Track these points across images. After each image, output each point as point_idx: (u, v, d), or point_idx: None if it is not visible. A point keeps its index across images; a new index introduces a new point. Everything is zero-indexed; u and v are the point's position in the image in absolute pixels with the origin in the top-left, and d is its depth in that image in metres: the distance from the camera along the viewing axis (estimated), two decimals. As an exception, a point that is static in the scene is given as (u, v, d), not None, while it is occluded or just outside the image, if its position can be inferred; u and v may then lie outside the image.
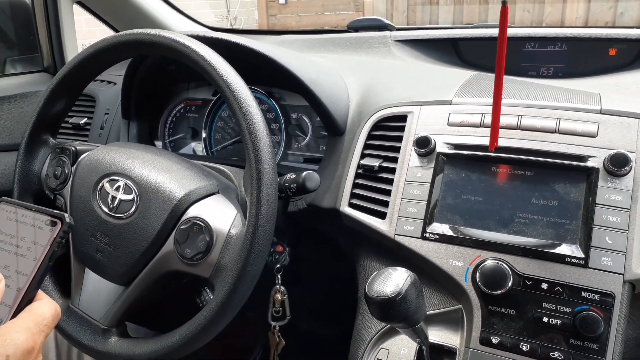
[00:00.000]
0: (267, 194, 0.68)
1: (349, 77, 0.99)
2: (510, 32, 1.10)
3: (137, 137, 1.12)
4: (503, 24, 0.61)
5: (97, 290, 0.80)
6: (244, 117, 0.69)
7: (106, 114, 1.17)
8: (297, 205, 0.91)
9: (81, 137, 1.18)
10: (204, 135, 1.12)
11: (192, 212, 0.73)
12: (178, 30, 1.43)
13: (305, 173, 0.77)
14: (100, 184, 0.78)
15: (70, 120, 1.20)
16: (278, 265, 0.91)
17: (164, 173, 0.77)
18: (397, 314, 0.58)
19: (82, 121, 1.18)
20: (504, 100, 0.78)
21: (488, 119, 0.76)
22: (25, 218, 0.50)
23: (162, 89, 1.11)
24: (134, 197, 0.75)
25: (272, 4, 7.07)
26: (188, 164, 0.82)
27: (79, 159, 0.83)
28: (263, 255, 0.68)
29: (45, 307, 0.46)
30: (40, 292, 0.49)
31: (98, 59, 0.81)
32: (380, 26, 1.28)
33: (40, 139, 0.87)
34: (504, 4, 0.60)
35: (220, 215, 0.73)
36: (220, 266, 0.70)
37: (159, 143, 1.16)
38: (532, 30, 1.09)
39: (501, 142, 0.73)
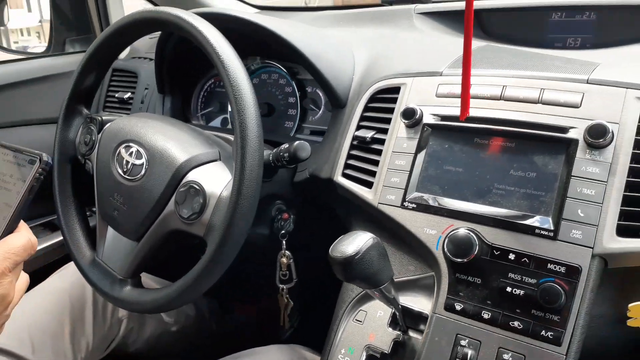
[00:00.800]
0: (250, 160, 0.73)
1: (361, 50, 1.01)
2: (535, 1, 1.06)
3: (171, 110, 1.21)
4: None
5: (116, 245, 0.90)
6: (231, 86, 0.74)
7: (146, 89, 1.28)
8: (301, 176, 0.95)
9: (125, 110, 1.30)
10: (229, 108, 1.19)
11: (191, 176, 0.80)
12: (217, 7, 1.51)
13: (296, 143, 0.81)
14: (118, 150, 0.87)
15: (116, 95, 1.32)
16: (283, 231, 0.96)
17: (171, 140, 0.84)
18: (357, 273, 0.62)
19: (126, 96, 1.30)
20: (489, 71, 0.78)
21: (474, 90, 0.75)
22: (11, 157, 0.59)
23: (193, 65, 1.19)
24: (143, 162, 0.84)
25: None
26: (196, 133, 0.89)
27: (104, 128, 0.93)
28: (246, 217, 0.74)
29: (17, 238, 0.55)
30: (21, 224, 0.58)
31: (117, 38, 0.90)
32: (412, -1, 1.28)
33: (75, 110, 0.97)
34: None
35: (215, 180, 0.80)
36: (211, 225, 0.76)
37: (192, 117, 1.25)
38: (558, -1, 1.04)
39: (484, 113, 0.73)
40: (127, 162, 0.85)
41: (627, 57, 0.85)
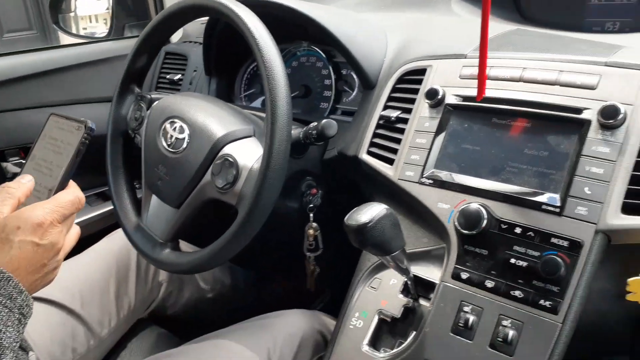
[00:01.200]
0: (279, 136, 0.79)
1: (395, 33, 1.04)
2: (575, -16, 1.05)
3: (216, 91, 1.30)
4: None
5: (158, 212, 0.99)
6: (265, 67, 0.80)
7: (195, 71, 1.36)
8: (330, 154, 1.01)
9: (175, 90, 1.40)
10: (269, 90, 1.26)
11: (227, 150, 0.88)
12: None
13: (324, 121, 0.87)
14: (164, 125, 0.96)
15: (167, 76, 1.42)
16: (311, 205, 1.02)
17: (210, 117, 0.92)
18: (370, 239, 0.67)
19: (177, 77, 1.40)
20: (511, 54, 0.80)
21: (495, 72, 0.78)
22: (63, 125, 0.68)
23: (237, 49, 1.26)
24: (185, 136, 0.92)
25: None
26: (234, 111, 0.96)
27: (152, 105, 1.02)
28: (274, 188, 0.80)
29: (66, 194, 0.64)
30: (70, 183, 0.67)
31: (167, 23, 0.98)
32: (454, -16, 1.29)
33: (128, 89, 1.07)
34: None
35: (248, 153, 0.86)
36: (242, 195, 0.84)
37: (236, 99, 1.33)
38: (597, -18, 1.03)
39: (502, 94, 0.76)
40: (172, 136, 0.94)
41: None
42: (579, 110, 0.69)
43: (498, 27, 1.02)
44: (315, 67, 1.19)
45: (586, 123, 0.68)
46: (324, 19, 0.96)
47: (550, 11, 1.08)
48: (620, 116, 0.65)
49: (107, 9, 1.81)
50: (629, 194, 0.64)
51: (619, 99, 0.67)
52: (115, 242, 1.12)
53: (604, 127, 0.67)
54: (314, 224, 1.03)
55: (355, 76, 1.11)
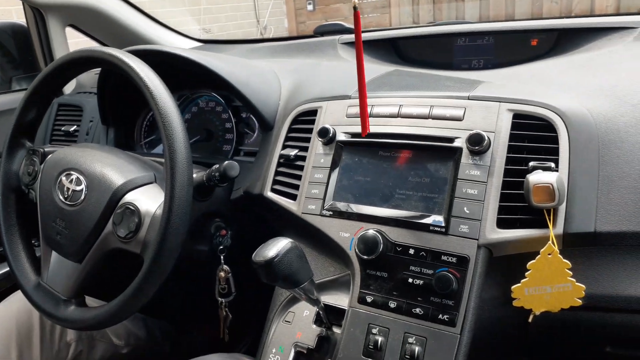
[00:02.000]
0: (180, 180, 0.80)
1: (287, 77, 1.11)
2: (443, 29, 1.20)
3: (115, 140, 1.28)
4: (357, 27, 0.71)
5: (59, 268, 0.95)
6: (160, 114, 0.81)
7: (91, 121, 1.34)
8: (237, 194, 1.03)
9: (72, 142, 1.36)
10: (171, 136, 1.26)
11: (128, 198, 0.87)
12: (164, 43, 1.60)
13: (226, 162, 0.90)
14: (59, 178, 0.93)
15: (62, 128, 1.38)
16: (221, 247, 1.03)
17: (108, 166, 0.91)
18: (278, 273, 0.70)
19: (72, 128, 1.36)
20: (389, 93, 0.89)
21: (376, 110, 0.86)
22: None
23: (134, 97, 1.26)
24: (83, 188, 0.90)
25: (301, 11, 7.26)
26: (133, 159, 0.96)
27: (46, 159, 0.99)
28: (178, 232, 0.80)
29: None
30: None
31: (57, 74, 0.97)
32: (342, 30, 1.39)
33: (19, 143, 1.03)
34: (355, 9, 0.70)
35: (150, 200, 0.86)
36: (146, 242, 0.83)
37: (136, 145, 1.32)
38: (462, 26, 1.18)
39: (384, 129, 0.84)
40: (68, 188, 0.91)
41: (512, 75, 0.97)
42: (450, 140, 0.78)
43: (379, 68, 1.12)
44: (216, 111, 1.22)
45: (458, 150, 0.77)
46: (217, 67, 1.00)
47: (423, 53, 1.21)
48: (485, 142, 0.74)
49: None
50: (501, 209, 0.73)
51: (482, 127, 0.77)
52: (13, 304, 1.06)
53: (473, 152, 0.76)
54: (225, 267, 1.04)
55: (254, 119, 1.16)
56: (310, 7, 7.18)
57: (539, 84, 0.88)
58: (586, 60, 0.95)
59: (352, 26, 1.39)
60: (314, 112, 0.94)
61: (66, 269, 0.94)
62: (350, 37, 1.28)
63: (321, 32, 1.45)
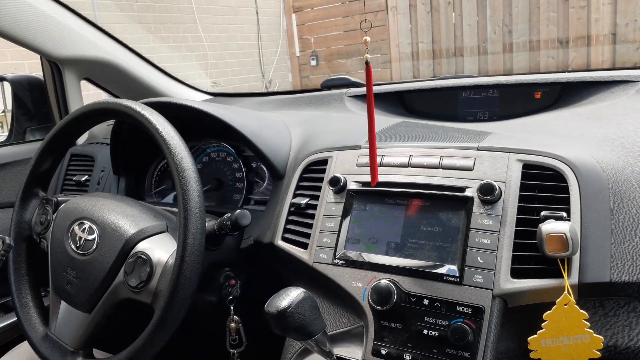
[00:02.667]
0: (193, 229, 0.81)
1: (297, 128, 1.13)
2: (448, 82, 1.23)
3: (126, 189, 1.29)
4: (369, 80, 0.74)
5: (68, 318, 0.94)
6: (174, 164, 0.83)
7: (102, 171, 1.36)
8: (247, 243, 1.03)
9: (82, 192, 1.37)
10: (181, 185, 1.28)
11: (140, 247, 0.87)
12: (176, 95, 1.64)
13: (237, 211, 0.90)
14: (72, 227, 0.94)
15: (74, 178, 1.39)
16: (230, 297, 1.02)
17: (121, 215, 0.92)
18: (291, 324, 0.69)
19: (83, 178, 1.38)
20: (399, 143, 0.90)
21: (386, 160, 0.87)
22: None
23: (146, 147, 1.29)
24: (95, 237, 0.90)
25: (305, 66, 7.47)
26: (145, 208, 0.96)
27: (59, 208, 1.00)
28: (190, 281, 0.80)
29: None
30: None
31: (73, 126, 0.99)
32: (348, 84, 1.43)
33: (32, 193, 1.04)
34: (367, 64, 0.73)
35: (162, 249, 0.87)
36: (157, 292, 0.83)
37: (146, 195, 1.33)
38: (467, 80, 1.21)
39: (395, 179, 0.85)
40: (80, 237, 0.92)
41: (518, 127, 0.99)
42: (462, 189, 0.79)
43: (387, 120, 1.15)
44: (226, 161, 1.24)
45: (469, 200, 0.78)
46: (230, 119, 1.03)
47: (429, 105, 1.24)
48: (496, 192, 0.75)
49: (3, 111, 1.77)
50: (514, 259, 0.73)
51: (492, 177, 0.78)
52: (20, 355, 1.04)
53: (485, 202, 0.76)
54: (235, 317, 1.03)
55: (265, 168, 1.17)
56: (313, 63, 7.40)
57: (546, 135, 0.90)
58: (590, 112, 0.97)
59: (358, 80, 1.45)
60: (324, 162, 0.95)
61: (75, 320, 0.93)
62: (357, 90, 1.32)
63: (328, 85, 1.49)
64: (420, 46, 6.21)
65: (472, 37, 5.84)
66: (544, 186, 0.76)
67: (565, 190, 0.75)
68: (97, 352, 1.00)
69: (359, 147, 0.93)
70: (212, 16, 6.40)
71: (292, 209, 0.96)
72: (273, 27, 7.32)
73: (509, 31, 5.55)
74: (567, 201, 0.74)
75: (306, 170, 0.98)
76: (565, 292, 0.69)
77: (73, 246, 0.92)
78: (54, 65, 1.41)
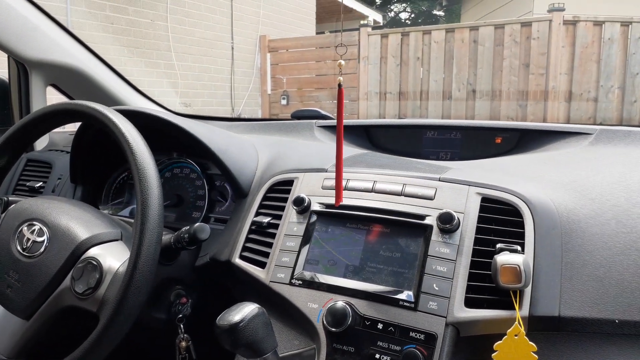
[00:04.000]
0: (149, 237, 0.79)
1: (265, 149, 1.14)
2: (414, 121, 1.27)
3: (81, 199, 1.25)
4: (340, 102, 0.75)
5: (4, 325, 0.88)
6: (137, 168, 0.81)
7: (59, 178, 1.31)
8: (202, 260, 1.01)
9: (34, 198, 1.32)
10: (140, 199, 1.25)
11: (91, 252, 0.84)
12: (134, 105, 1.62)
13: (196, 224, 0.89)
14: (20, 228, 0.89)
15: (28, 184, 1.34)
16: (180, 315, 0.99)
17: (74, 220, 0.89)
18: (243, 340, 0.67)
19: (37, 184, 1.33)
20: (364, 169, 0.92)
21: (351, 184, 0.89)
22: None
23: (107, 157, 1.26)
24: (44, 239, 0.86)
25: (275, 104, 7.56)
26: (100, 214, 0.94)
27: (8, 208, 0.95)
28: (140, 291, 0.77)
29: None
30: None
31: (34, 125, 0.97)
32: (317, 116, 1.46)
33: (-19, 191, 1.00)
34: (339, 86, 0.75)
35: (114, 257, 0.84)
36: (104, 300, 0.79)
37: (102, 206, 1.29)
38: (432, 120, 1.26)
39: (358, 202, 0.86)
40: (28, 239, 0.87)
41: (479, 166, 1.03)
42: (422, 217, 0.81)
43: (353, 150, 1.17)
44: (189, 178, 1.22)
45: (428, 227, 0.79)
46: (198, 132, 1.03)
47: (394, 141, 1.28)
48: (455, 221, 0.77)
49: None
50: (469, 289, 0.74)
51: (452, 207, 0.80)
52: None
53: (443, 231, 0.78)
54: (186, 335, 0.99)
55: (228, 187, 1.17)
56: (284, 102, 7.50)
57: (504, 174, 0.94)
58: (547, 158, 1.02)
59: (328, 114, 1.48)
60: (290, 182, 0.96)
61: (12, 327, 0.87)
62: (326, 122, 1.34)
63: (298, 116, 1.51)
64: (388, 96, 6.40)
65: (437, 92, 6.08)
66: (500, 220, 0.78)
67: (521, 225, 0.77)
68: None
69: (325, 170, 0.94)
70: (187, 46, 6.45)
71: (253, 227, 0.95)
72: (247, 64, 7.43)
73: (473, 90, 5.82)
74: (522, 235, 0.76)
75: (271, 189, 0.98)
76: (516, 322, 0.70)
77: (19, 248, 0.87)
78: (22, 66, 1.38)
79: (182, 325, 0.99)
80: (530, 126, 1.14)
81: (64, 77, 1.46)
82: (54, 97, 1.47)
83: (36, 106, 1.41)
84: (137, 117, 1.03)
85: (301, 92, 7.27)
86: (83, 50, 1.45)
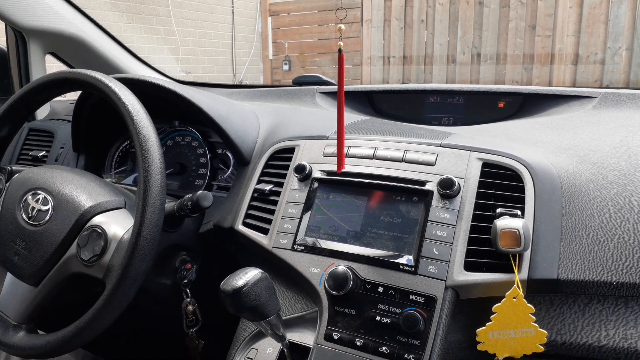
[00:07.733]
0: (152, 204, 0.79)
1: (266, 117, 1.13)
2: (416, 86, 1.26)
3: (84, 168, 1.25)
4: (340, 67, 0.75)
5: (13, 291, 0.90)
6: (138, 137, 0.81)
7: (61, 147, 1.32)
8: (206, 227, 1.02)
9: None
10: (143, 168, 1.25)
11: (96, 220, 0.85)
12: (134, 73, 1.61)
13: (199, 192, 0.89)
14: (25, 197, 0.91)
15: (31, 153, 1.35)
16: (185, 281, 1.01)
17: (78, 188, 0.90)
18: (246, 303, 0.69)
19: (41, 154, 1.33)
20: (365, 136, 0.92)
21: (352, 151, 0.89)
22: None
23: (109, 126, 1.26)
24: (49, 208, 0.88)
25: (277, 70, 7.47)
26: (103, 183, 0.94)
27: (13, 177, 0.96)
28: (145, 258, 0.78)
29: None
30: None
31: (35, 93, 0.96)
32: (320, 82, 1.44)
33: (-15, 161, 1.01)
34: (339, 51, 0.74)
35: (118, 224, 0.85)
36: (110, 267, 0.81)
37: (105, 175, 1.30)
38: (434, 85, 1.24)
39: (359, 169, 0.86)
40: (33, 208, 0.89)
41: (480, 131, 1.02)
42: (422, 183, 0.81)
43: (354, 117, 1.17)
44: (191, 146, 1.22)
45: (429, 193, 0.80)
46: (199, 100, 1.02)
47: (397, 107, 1.27)
48: (455, 187, 0.77)
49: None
50: (468, 253, 0.75)
51: (453, 173, 0.80)
52: None
53: (443, 196, 0.79)
54: (191, 299, 1.01)
55: (230, 155, 1.17)
56: (286, 67, 7.41)
57: (506, 139, 0.93)
58: (549, 122, 1.01)
59: (330, 79, 1.46)
60: (291, 150, 0.96)
61: (20, 293, 0.89)
62: (328, 87, 1.33)
63: (299, 82, 1.49)
64: (392, 60, 6.31)
65: (442, 56, 5.98)
66: (501, 184, 0.79)
67: (521, 189, 0.77)
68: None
69: (327, 138, 0.94)
70: (187, 11, 6.33)
71: (255, 194, 0.95)
72: (248, 29, 7.30)
73: (478, 53, 5.72)
74: (522, 200, 0.77)
75: (272, 157, 0.98)
76: (515, 285, 0.71)
77: (25, 216, 0.89)
78: (19, 35, 1.37)
79: (187, 290, 1.02)
80: (533, 90, 1.12)
81: (63, 45, 1.44)
82: (54, 66, 1.46)
83: (35, 75, 1.40)
84: (137, 85, 1.02)
85: (303, 57, 7.17)
86: (81, 17, 1.43)
